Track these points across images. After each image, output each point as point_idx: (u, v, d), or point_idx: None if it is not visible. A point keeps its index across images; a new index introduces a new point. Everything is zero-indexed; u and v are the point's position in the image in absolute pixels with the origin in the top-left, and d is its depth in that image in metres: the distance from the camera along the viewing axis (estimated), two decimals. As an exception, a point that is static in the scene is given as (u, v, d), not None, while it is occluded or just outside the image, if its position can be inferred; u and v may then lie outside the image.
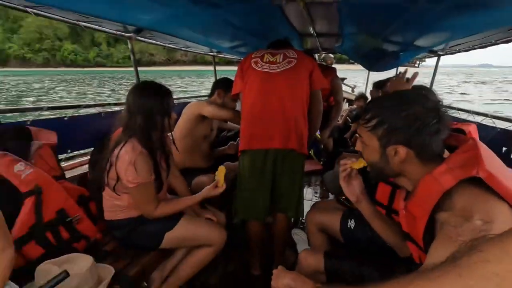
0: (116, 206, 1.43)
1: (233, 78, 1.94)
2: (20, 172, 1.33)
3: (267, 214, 1.75)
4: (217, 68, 3.88)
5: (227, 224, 1.72)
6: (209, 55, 3.57)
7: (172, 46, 2.78)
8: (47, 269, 1.09)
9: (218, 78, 2.27)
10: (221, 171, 1.50)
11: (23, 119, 1.55)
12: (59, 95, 19.95)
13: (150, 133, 1.37)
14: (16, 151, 1.36)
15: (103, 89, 23.36)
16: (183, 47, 2.89)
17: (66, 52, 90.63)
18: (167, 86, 1.45)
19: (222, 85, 2.13)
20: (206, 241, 1.52)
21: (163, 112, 1.39)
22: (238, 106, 2.15)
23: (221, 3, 1.47)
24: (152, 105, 1.35)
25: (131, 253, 1.48)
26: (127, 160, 1.29)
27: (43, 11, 1.49)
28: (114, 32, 2.00)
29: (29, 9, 1.43)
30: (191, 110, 2.02)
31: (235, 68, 1.91)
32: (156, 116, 1.37)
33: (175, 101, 1.46)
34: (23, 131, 1.45)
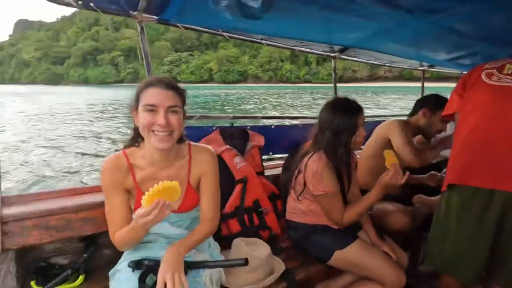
0: (296, 208, 1.58)
1: (445, 95, 1.59)
2: (237, 164, 1.75)
3: (476, 280, 1.28)
4: (426, 84, 3.36)
5: (408, 268, 1.44)
6: (419, 69, 3.17)
7: (375, 62, 2.70)
8: (239, 244, 1.37)
9: (425, 95, 1.96)
10: (390, 155, 1.34)
11: (246, 124, 2.04)
12: (270, 103, 24.77)
13: (336, 148, 1.40)
14: (237, 148, 1.81)
15: (300, 101, 26.58)
16: (387, 63, 2.73)
17: (285, 71, 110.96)
18: (359, 102, 1.43)
19: (429, 102, 1.83)
20: (378, 276, 1.35)
21: (351, 130, 1.39)
22: (449, 129, 1.75)
23: (444, 7, 1.25)
24: (340, 121, 1.39)
25: (301, 257, 1.57)
26: (314, 169, 1.38)
27: (271, 42, 1.90)
28: (321, 53, 2.21)
29: (263, 41, 1.87)
30: (381, 131, 1.87)
31: (450, 84, 1.55)
32: (343, 133, 1.39)
33: (369, 119, 1.41)
34: (245, 133, 1.91)
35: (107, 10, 1.41)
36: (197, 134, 1.73)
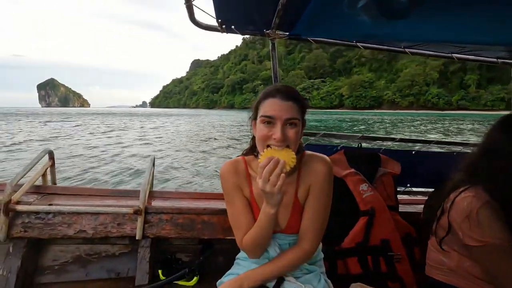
0: (440, 262, 1.15)
1: None
2: (363, 192, 1.48)
3: None
4: None
5: None
6: None
7: None
8: (358, 292, 1.10)
9: None
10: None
11: (379, 147, 1.73)
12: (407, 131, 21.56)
13: (507, 181, 0.95)
14: (365, 173, 1.54)
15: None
16: None
17: (430, 96, 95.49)
18: None
19: None
20: None
21: None
22: None
23: None
24: None
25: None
26: (465, 209, 0.99)
27: (418, 49, 1.56)
28: (494, 59, 1.65)
29: (407, 50, 1.56)
30: None
31: None
32: None
33: None
34: (375, 157, 1.62)
35: (246, 31, 1.53)
36: (319, 152, 1.59)
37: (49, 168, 1.61)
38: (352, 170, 1.54)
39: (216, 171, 8.12)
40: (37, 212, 1.33)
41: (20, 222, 1.31)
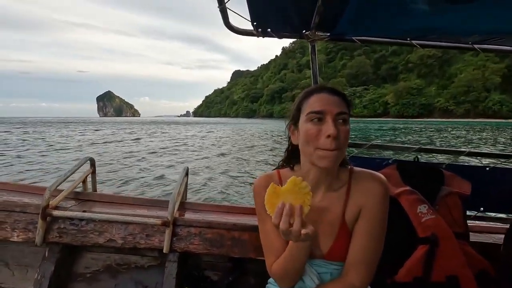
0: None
1: None
2: (422, 215, 1.24)
3: None
4: None
5: None
6: None
7: None
8: None
9: None
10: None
11: (440, 161, 1.46)
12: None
13: None
14: (423, 192, 1.30)
15: None
16: None
17: (491, 103, 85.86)
18: None
19: None
20: None
21: None
22: None
23: None
24: None
25: None
26: None
27: (488, 45, 1.30)
28: None
29: (476, 46, 1.30)
30: None
31: None
32: None
33: None
34: (437, 173, 1.36)
35: (283, 34, 1.41)
36: (366, 166, 1.39)
37: (90, 175, 1.64)
38: (408, 188, 1.30)
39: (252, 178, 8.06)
40: (71, 218, 1.33)
41: (56, 227, 1.33)
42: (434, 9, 1.01)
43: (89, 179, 1.64)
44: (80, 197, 1.56)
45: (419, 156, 1.42)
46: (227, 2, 1.22)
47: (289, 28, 1.37)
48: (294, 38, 1.42)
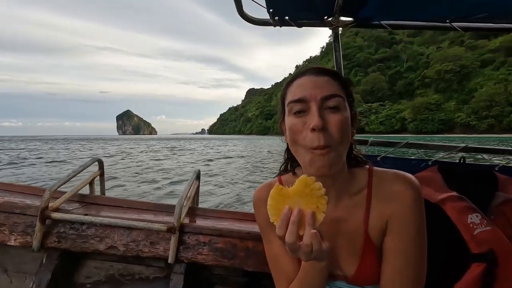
0: None
1: None
2: (474, 226, 1.02)
3: None
4: None
5: None
6: None
7: None
8: None
9: None
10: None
11: (491, 163, 1.24)
12: None
13: None
14: (474, 198, 1.08)
15: None
16: None
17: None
18: None
19: None
20: None
21: None
22: None
23: None
24: None
25: None
26: None
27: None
28: None
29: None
30: None
31: None
32: None
33: None
34: (489, 176, 1.14)
35: (302, 22, 1.29)
36: (400, 168, 1.20)
37: (98, 178, 1.54)
38: (454, 193, 1.09)
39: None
40: (71, 222, 1.21)
41: (55, 232, 1.21)
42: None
43: (97, 181, 1.56)
44: (85, 200, 1.45)
45: (465, 156, 1.20)
46: (240, -14, 1.11)
47: (309, 14, 1.24)
48: (314, 26, 1.29)
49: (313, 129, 0.60)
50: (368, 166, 0.76)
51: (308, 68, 0.69)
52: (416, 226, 0.67)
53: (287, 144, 0.74)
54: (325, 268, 0.63)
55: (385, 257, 0.68)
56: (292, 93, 0.66)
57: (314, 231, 0.53)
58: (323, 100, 0.62)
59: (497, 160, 1.26)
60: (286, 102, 0.68)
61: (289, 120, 0.66)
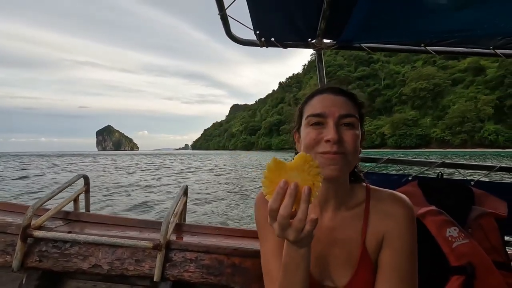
0: None
1: None
2: (452, 239, 1.06)
3: None
4: None
5: None
6: None
7: None
8: None
9: None
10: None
11: (466, 177, 1.30)
12: None
13: None
14: (453, 213, 1.13)
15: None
16: None
17: (487, 133, 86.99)
18: None
19: None
20: None
21: None
22: None
23: None
24: None
25: None
26: None
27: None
28: None
29: (499, 51, 1.22)
30: None
31: None
32: None
33: None
34: (465, 191, 1.20)
35: (288, 43, 1.34)
36: (383, 183, 1.23)
37: (83, 194, 1.48)
38: (433, 207, 1.14)
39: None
40: (54, 240, 1.16)
41: (37, 250, 1.15)
42: (453, 8, 0.93)
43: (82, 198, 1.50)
44: (69, 217, 1.39)
45: (442, 172, 1.26)
46: (227, 8, 1.15)
47: (294, 36, 1.30)
48: (299, 47, 1.35)
49: (328, 141, 0.67)
50: (365, 184, 0.82)
51: (328, 87, 0.77)
52: (409, 246, 0.71)
53: (295, 153, 0.79)
54: (307, 255, 0.62)
55: (380, 273, 0.71)
56: (313, 107, 0.73)
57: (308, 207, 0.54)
58: (340, 117, 0.70)
59: (470, 176, 1.33)
60: (305, 115, 0.75)
61: (306, 130, 0.73)
